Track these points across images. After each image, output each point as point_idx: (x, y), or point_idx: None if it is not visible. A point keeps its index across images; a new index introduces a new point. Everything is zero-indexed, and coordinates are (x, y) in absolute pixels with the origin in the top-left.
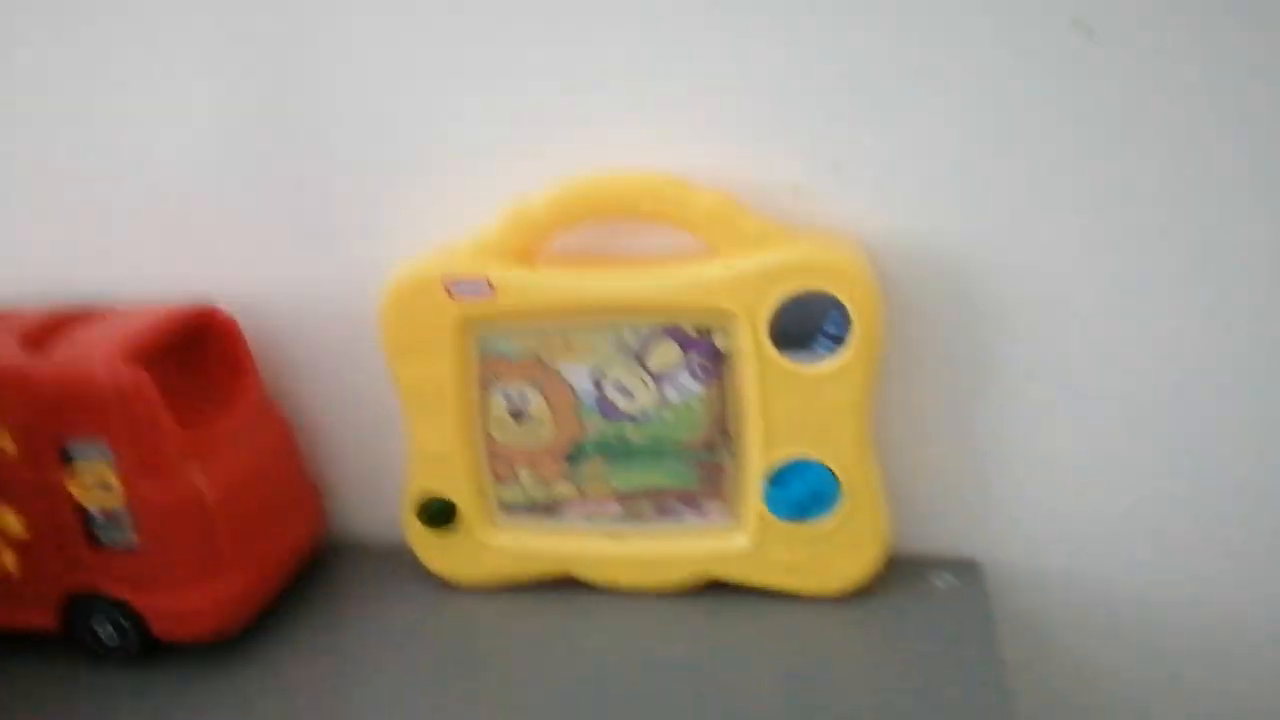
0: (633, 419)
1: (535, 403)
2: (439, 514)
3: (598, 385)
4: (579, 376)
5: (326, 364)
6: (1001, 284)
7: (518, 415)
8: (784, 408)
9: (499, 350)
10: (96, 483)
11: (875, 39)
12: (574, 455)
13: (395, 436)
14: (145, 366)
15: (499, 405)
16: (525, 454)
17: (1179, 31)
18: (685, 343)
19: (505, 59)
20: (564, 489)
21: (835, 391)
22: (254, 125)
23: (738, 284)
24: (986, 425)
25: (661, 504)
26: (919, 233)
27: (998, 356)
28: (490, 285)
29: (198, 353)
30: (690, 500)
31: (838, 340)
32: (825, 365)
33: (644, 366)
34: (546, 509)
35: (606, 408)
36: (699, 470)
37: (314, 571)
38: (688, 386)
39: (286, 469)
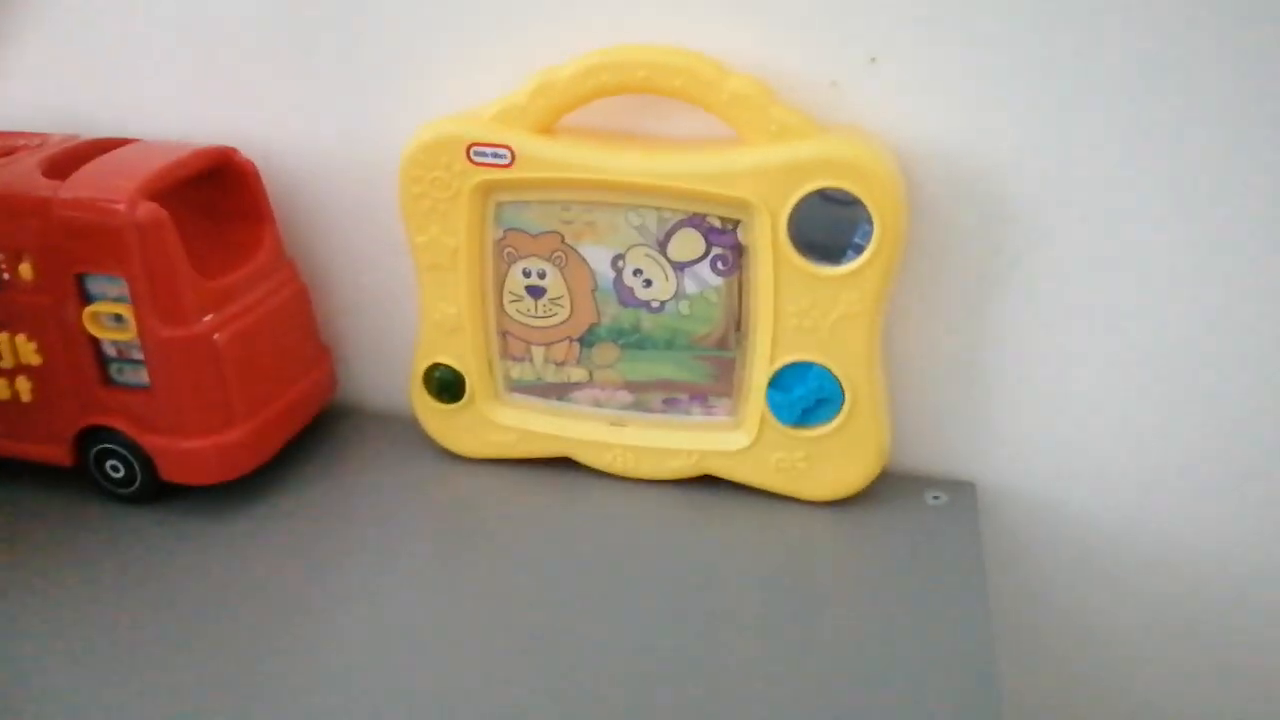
0: (649, 307)
1: (553, 281)
2: (446, 386)
3: (617, 270)
4: (599, 259)
5: (345, 223)
6: (1029, 198)
7: (535, 292)
8: (795, 309)
9: (520, 224)
10: (111, 319)
11: None
12: (587, 339)
13: (409, 303)
14: (165, 205)
15: (517, 280)
16: (540, 332)
17: None
18: (709, 234)
19: None
20: (575, 372)
21: (849, 296)
22: None
23: (759, 174)
24: (993, 347)
25: (671, 397)
26: (950, 138)
27: (1012, 275)
28: (511, 152)
29: (216, 197)
30: (700, 396)
31: (863, 252)
32: (841, 268)
33: (665, 255)
34: (556, 390)
35: (624, 293)
36: (711, 366)
37: (320, 432)
38: (707, 279)
39: (298, 325)
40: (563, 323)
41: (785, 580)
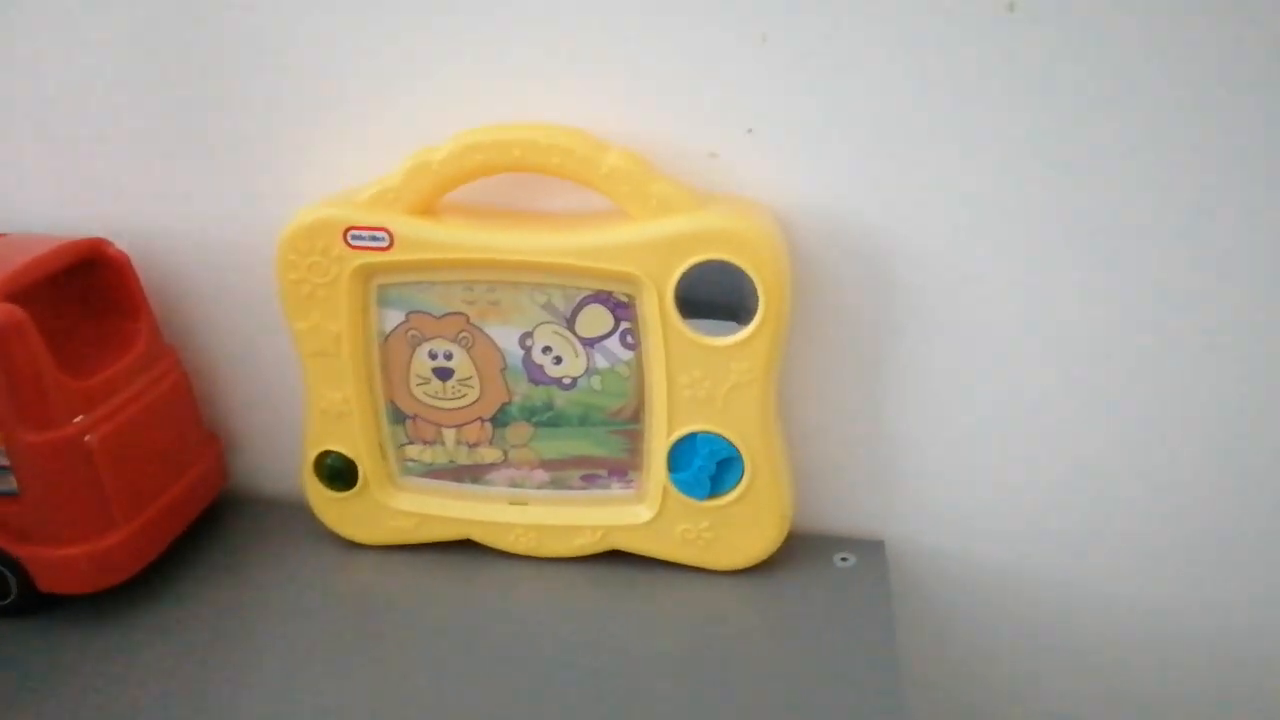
0: (561, 384)
1: (461, 362)
2: (337, 473)
3: (525, 348)
4: (506, 338)
5: (227, 309)
6: (911, 259)
7: (443, 374)
8: (688, 379)
9: (423, 305)
10: None
11: (792, 6)
12: (499, 419)
13: (297, 387)
14: (28, 304)
15: (423, 363)
16: (449, 414)
17: (1099, 8)
18: (615, 309)
19: (419, 4)
20: (489, 453)
21: (739, 366)
22: (155, 57)
23: (642, 248)
24: (892, 404)
25: (590, 473)
26: (831, 204)
27: (905, 334)
28: (390, 235)
29: (86, 291)
30: (619, 471)
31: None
32: (730, 338)
33: (574, 331)
34: (470, 472)
35: (534, 371)
36: (627, 440)
37: (213, 524)
38: (617, 354)
39: (180, 417)
40: (473, 403)
41: (697, 654)
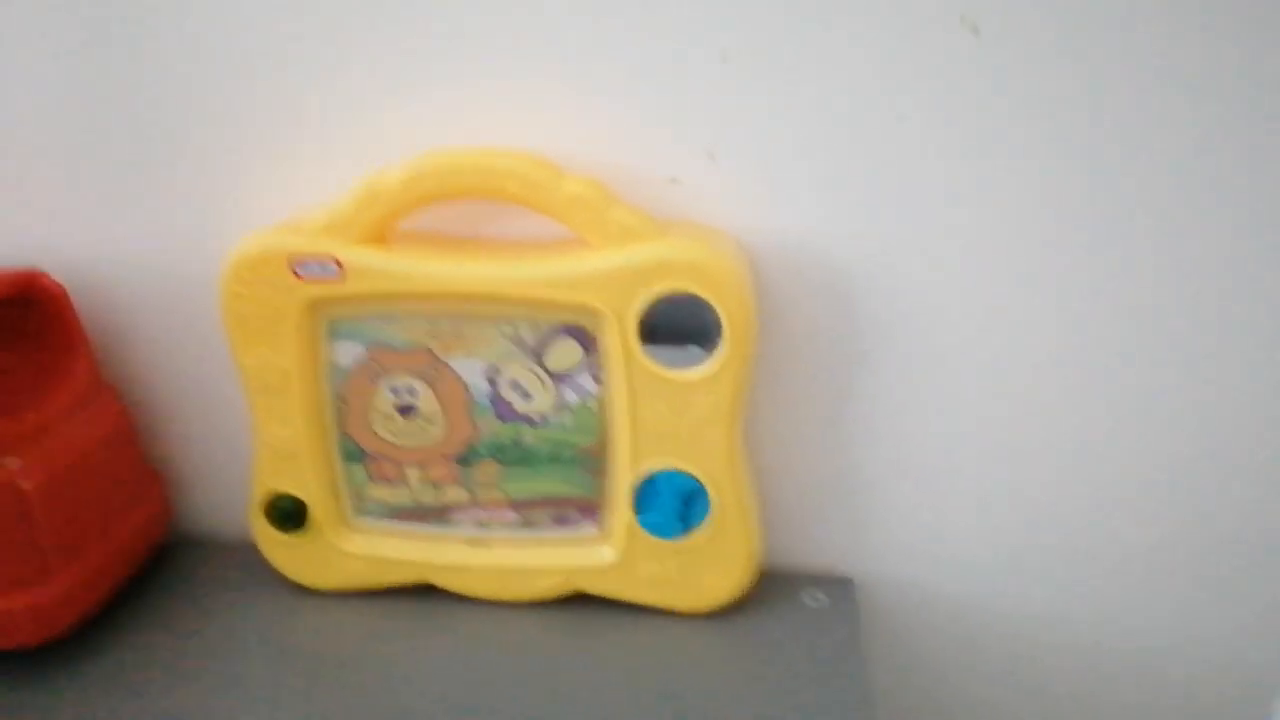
0: (529, 421)
1: (425, 398)
2: (288, 515)
3: (493, 383)
4: (472, 372)
5: (171, 343)
6: (879, 288)
7: (406, 411)
8: (652, 414)
9: (385, 338)
10: None
11: (755, 29)
12: (466, 457)
13: (247, 423)
14: None
15: (385, 399)
16: (413, 453)
17: (1064, 34)
18: (585, 341)
19: (368, 25)
20: (455, 493)
21: (704, 399)
22: (93, 77)
23: (602, 279)
24: (860, 437)
25: (560, 514)
26: (795, 230)
27: (872, 365)
28: (339, 265)
29: (20, 325)
30: (590, 510)
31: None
32: (694, 371)
33: (543, 366)
34: (435, 513)
35: (502, 407)
36: (598, 479)
37: (156, 568)
38: (587, 388)
39: (122, 457)
40: (438, 441)
41: (666, 699)
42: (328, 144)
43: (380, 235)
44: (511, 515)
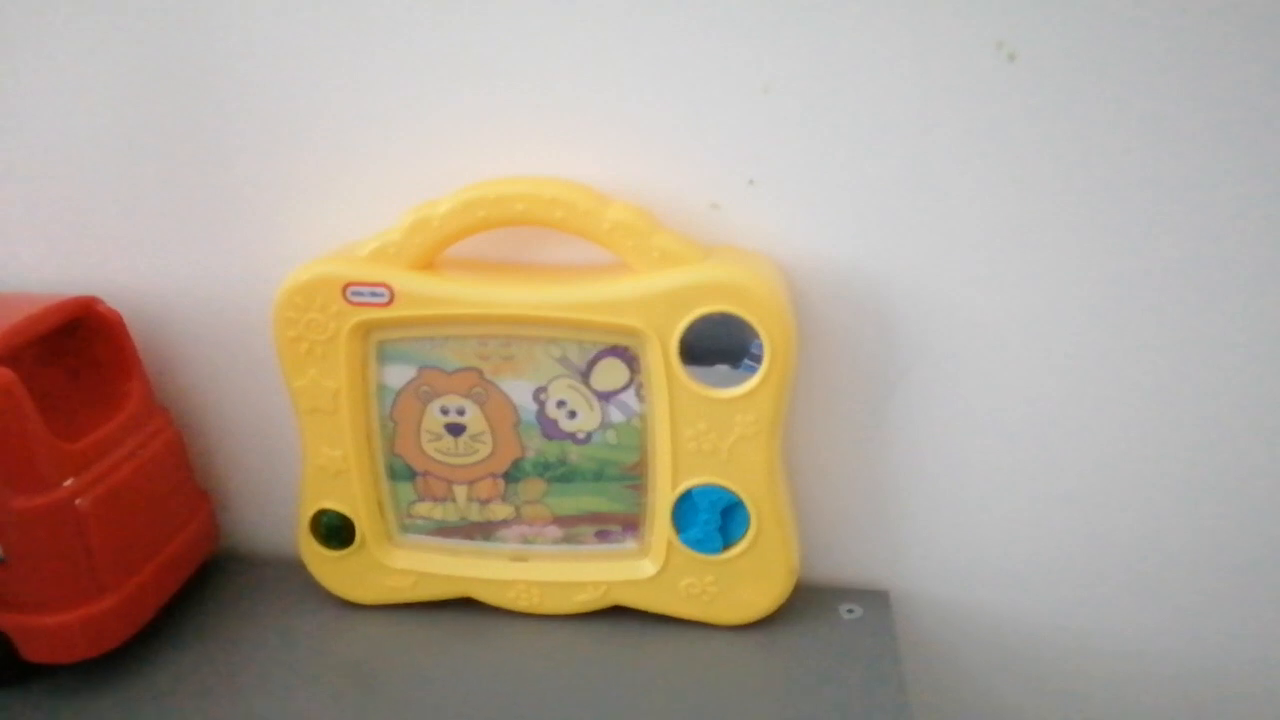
0: (575, 439)
1: (473, 417)
2: (334, 532)
3: (540, 402)
4: (520, 392)
5: (220, 367)
6: (915, 308)
7: (455, 430)
8: (693, 432)
9: (435, 361)
10: None
11: (795, 61)
12: (512, 474)
13: (293, 445)
14: (16, 364)
15: (435, 419)
16: (461, 470)
17: (1098, 60)
18: (631, 361)
19: (416, 59)
20: (501, 509)
21: (744, 418)
22: (149, 112)
23: (645, 302)
24: (897, 453)
25: (603, 529)
26: (834, 254)
27: (909, 383)
28: (390, 291)
29: (78, 350)
30: (633, 526)
31: (760, 362)
32: (735, 389)
33: (589, 385)
34: (481, 529)
35: (548, 426)
36: (639, 494)
37: (204, 585)
38: (633, 407)
39: (173, 478)
40: (485, 459)
41: (704, 713)
42: (379, 177)
43: (429, 262)
44: (555, 531)
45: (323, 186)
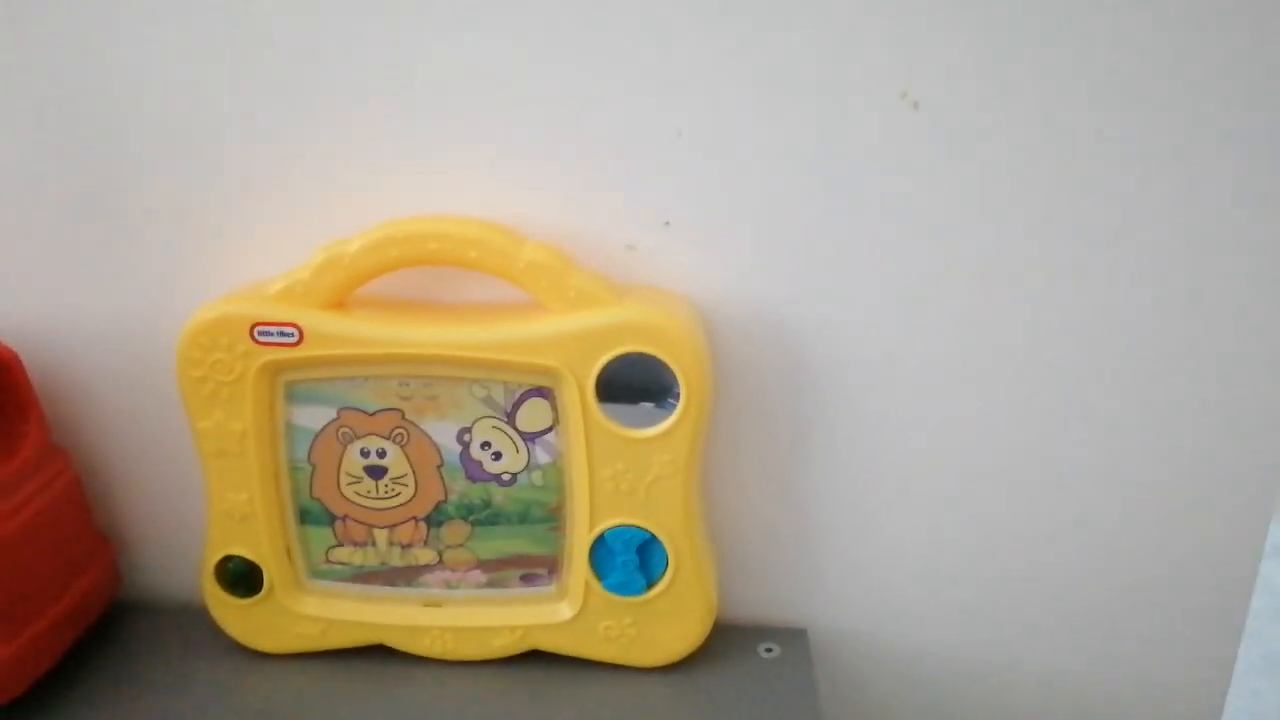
0: (500, 480)
1: (395, 459)
2: (241, 578)
3: (463, 443)
4: (443, 433)
5: (122, 408)
6: (829, 347)
7: (375, 473)
8: (610, 473)
9: (355, 401)
10: None
11: (707, 107)
12: (435, 517)
13: (197, 488)
14: None
15: (354, 461)
16: (382, 514)
17: (999, 103)
18: (555, 403)
19: (326, 95)
20: (423, 554)
21: (662, 456)
22: (48, 139)
23: (561, 341)
24: (813, 491)
25: (529, 572)
26: (748, 294)
27: (824, 420)
28: (299, 330)
29: None
30: (558, 569)
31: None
32: (652, 429)
33: (514, 426)
34: (403, 575)
35: (471, 467)
36: (560, 536)
37: (105, 633)
38: (558, 448)
39: (70, 521)
40: (407, 502)
41: None
42: (288, 214)
43: (339, 301)
44: (479, 575)
45: (230, 223)
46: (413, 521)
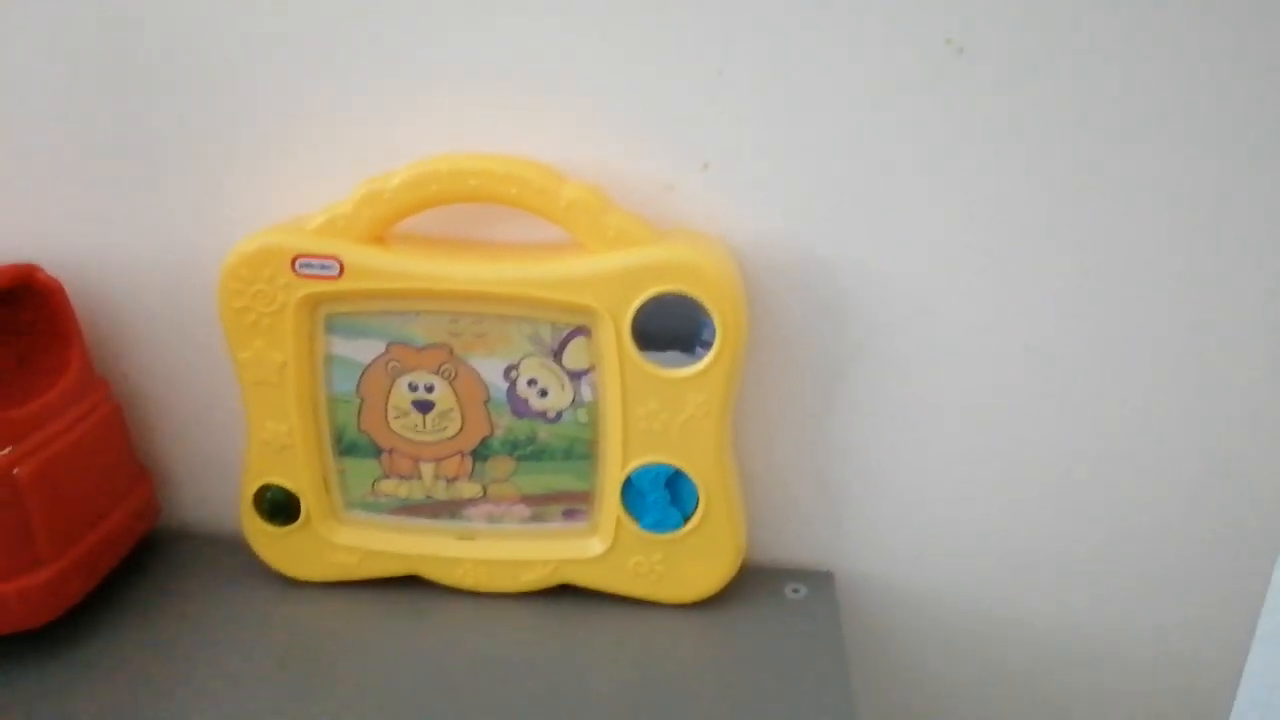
0: (545, 417)
1: (442, 394)
2: (278, 508)
3: (510, 380)
4: (491, 370)
5: (165, 338)
6: (866, 293)
7: (423, 407)
8: (644, 411)
9: (404, 336)
10: None
11: (748, 47)
12: (480, 452)
13: (237, 419)
14: None
15: (402, 395)
16: (429, 448)
17: (1042, 51)
18: None
19: (371, 30)
20: (468, 488)
21: (696, 398)
22: (92, 75)
23: (598, 280)
24: (844, 436)
25: (572, 508)
26: (786, 237)
27: (857, 366)
28: (340, 263)
29: (18, 318)
30: (587, 503)
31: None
32: (686, 369)
33: (560, 364)
34: (448, 508)
35: (518, 404)
36: (596, 472)
37: (144, 561)
38: (599, 387)
39: (112, 449)
40: (453, 437)
41: (649, 688)
42: (329, 148)
43: (379, 236)
44: (523, 509)
45: (272, 156)
46: (459, 455)
